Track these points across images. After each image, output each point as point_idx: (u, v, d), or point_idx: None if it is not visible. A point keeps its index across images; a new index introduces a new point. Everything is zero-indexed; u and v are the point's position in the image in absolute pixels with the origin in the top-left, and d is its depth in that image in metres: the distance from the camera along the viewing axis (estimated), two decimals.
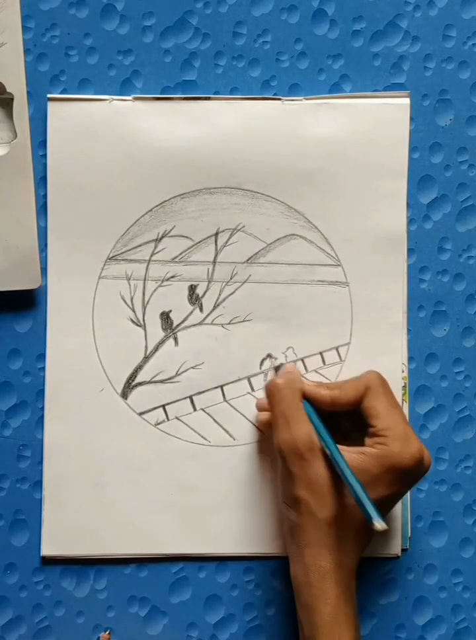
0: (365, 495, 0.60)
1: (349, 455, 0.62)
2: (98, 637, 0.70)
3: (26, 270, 0.69)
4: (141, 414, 0.70)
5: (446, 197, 0.71)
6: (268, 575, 0.70)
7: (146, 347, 0.70)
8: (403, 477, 0.63)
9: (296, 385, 0.66)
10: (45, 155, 0.69)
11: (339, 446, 0.63)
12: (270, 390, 0.66)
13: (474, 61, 0.71)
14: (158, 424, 0.70)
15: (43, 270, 0.69)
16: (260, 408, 0.69)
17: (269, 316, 0.70)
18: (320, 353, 0.70)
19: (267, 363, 0.70)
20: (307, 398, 0.65)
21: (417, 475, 0.64)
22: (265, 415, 0.68)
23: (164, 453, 0.70)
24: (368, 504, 0.60)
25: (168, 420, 0.70)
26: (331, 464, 0.63)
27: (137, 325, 0.70)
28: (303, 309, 0.70)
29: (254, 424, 0.70)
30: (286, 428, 0.64)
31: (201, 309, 0.70)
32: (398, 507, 0.69)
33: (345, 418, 0.66)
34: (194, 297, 0.70)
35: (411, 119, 0.70)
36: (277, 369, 0.69)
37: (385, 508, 0.63)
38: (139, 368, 0.70)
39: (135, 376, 0.70)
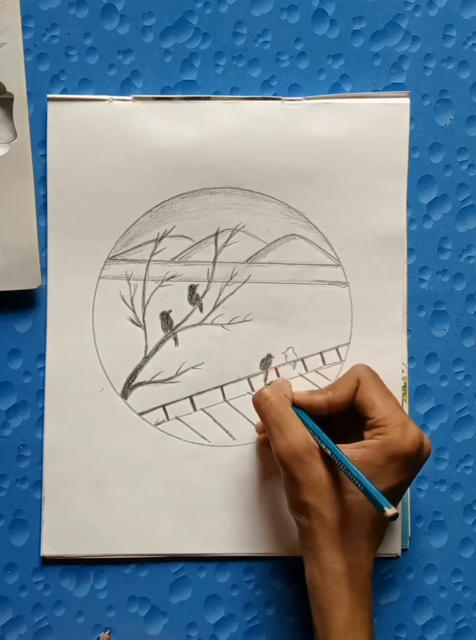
0: (372, 485, 0.60)
1: (350, 451, 0.62)
2: (98, 637, 0.70)
3: (26, 270, 0.69)
4: (141, 414, 0.70)
5: (446, 197, 0.71)
6: (268, 575, 0.70)
7: (146, 347, 0.70)
8: (406, 464, 0.63)
9: (283, 391, 0.65)
10: (45, 155, 0.69)
11: (338, 445, 0.62)
12: (257, 401, 0.65)
13: (474, 61, 0.71)
14: (159, 424, 0.70)
15: (43, 270, 0.69)
16: (259, 431, 0.69)
17: (269, 316, 0.70)
18: (320, 353, 0.70)
19: (271, 374, 0.70)
20: (303, 408, 0.65)
21: (419, 460, 0.64)
22: (264, 434, 0.67)
23: (164, 453, 0.69)
24: (376, 492, 0.59)
25: (168, 420, 0.70)
26: (333, 464, 0.63)
27: (137, 325, 0.70)
28: (303, 309, 0.70)
29: (254, 425, 0.70)
30: (281, 435, 0.63)
31: (201, 309, 0.70)
32: (398, 507, 0.69)
33: (340, 419, 0.66)
34: (194, 297, 0.70)
35: (411, 119, 0.70)
36: (269, 384, 0.69)
37: (393, 499, 0.63)
38: (139, 368, 0.70)
39: (135, 376, 0.70)
